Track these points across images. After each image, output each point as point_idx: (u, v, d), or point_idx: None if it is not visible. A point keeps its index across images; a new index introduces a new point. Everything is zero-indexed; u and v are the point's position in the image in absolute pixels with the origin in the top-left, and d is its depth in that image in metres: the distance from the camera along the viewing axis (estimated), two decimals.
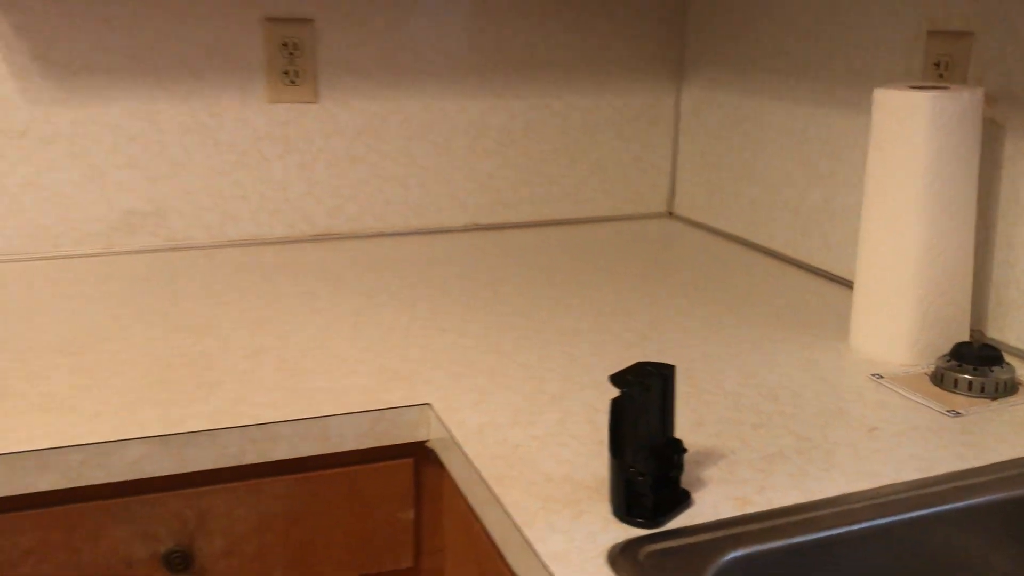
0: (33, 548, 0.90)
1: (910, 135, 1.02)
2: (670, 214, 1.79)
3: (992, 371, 0.99)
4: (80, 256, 1.45)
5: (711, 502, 0.79)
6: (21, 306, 1.22)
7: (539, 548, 0.73)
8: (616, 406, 0.74)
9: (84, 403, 0.95)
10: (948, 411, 0.96)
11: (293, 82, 1.49)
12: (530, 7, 1.60)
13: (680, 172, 1.76)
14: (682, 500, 0.78)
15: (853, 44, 1.32)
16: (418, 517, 1.03)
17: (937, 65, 1.18)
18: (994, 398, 0.99)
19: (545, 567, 0.71)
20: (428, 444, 1.00)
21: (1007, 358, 1.04)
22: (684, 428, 0.93)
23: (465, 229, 1.66)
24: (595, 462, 0.86)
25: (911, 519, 0.78)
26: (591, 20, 1.65)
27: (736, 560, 0.72)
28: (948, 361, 1.02)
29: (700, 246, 1.58)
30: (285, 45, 1.48)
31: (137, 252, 1.48)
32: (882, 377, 1.04)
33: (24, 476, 0.86)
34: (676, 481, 0.78)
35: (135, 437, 0.89)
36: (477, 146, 1.63)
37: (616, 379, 0.74)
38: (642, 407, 0.75)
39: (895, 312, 1.07)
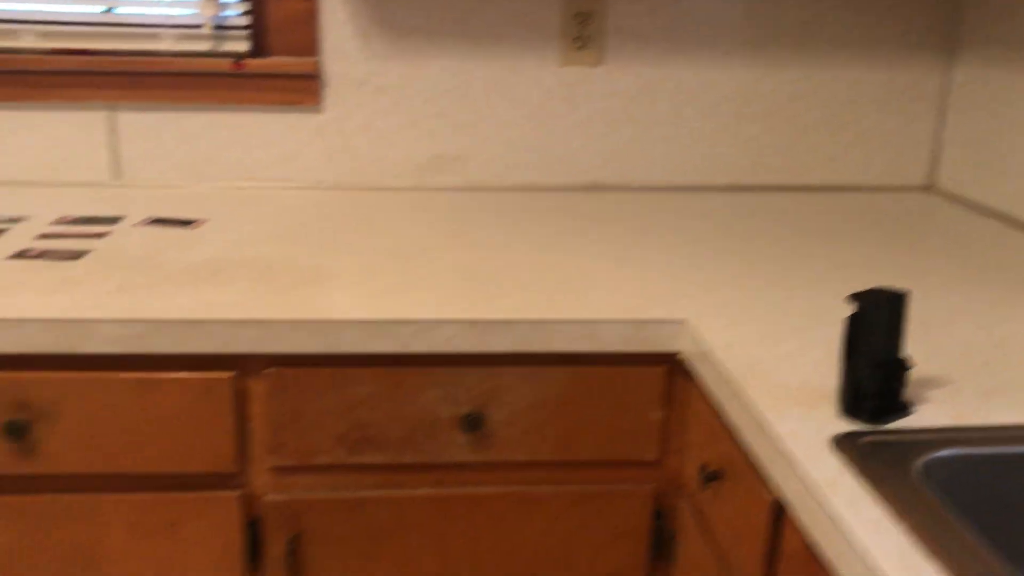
0: (366, 398, 1.16)
1: None
2: (929, 187, 1.83)
3: None
4: (396, 189, 1.73)
5: (929, 415, 0.91)
6: (355, 224, 1.51)
7: (775, 430, 0.88)
8: (852, 318, 0.88)
9: (411, 293, 1.20)
10: None
11: (582, 48, 1.70)
12: None
13: (945, 147, 1.80)
14: (902, 409, 0.90)
15: None
16: (665, 418, 1.21)
17: None
18: None
19: (779, 446, 0.87)
20: (680, 356, 1.17)
21: None
22: (914, 358, 1.04)
23: (726, 188, 1.80)
24: (827, 378, 0.99)
25: None
26: None
27: (944, 458, 0.84)
28: None
29: (958, 219, 1.63)
30: (578, 15, 1.68)
31: (440, 189, 1.74)
32: None
33: (369, 340, 1.12)
34: (898, 392, 0.91)
35: (451, 319, 1.12)
36: (743, 112, 1.76)
37: (854, 296, 0.88)
38: (874, 322, 0.88)
39: None
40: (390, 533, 1.21)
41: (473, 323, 1.13)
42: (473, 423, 1.17)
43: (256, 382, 1.15)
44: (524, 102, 1.72)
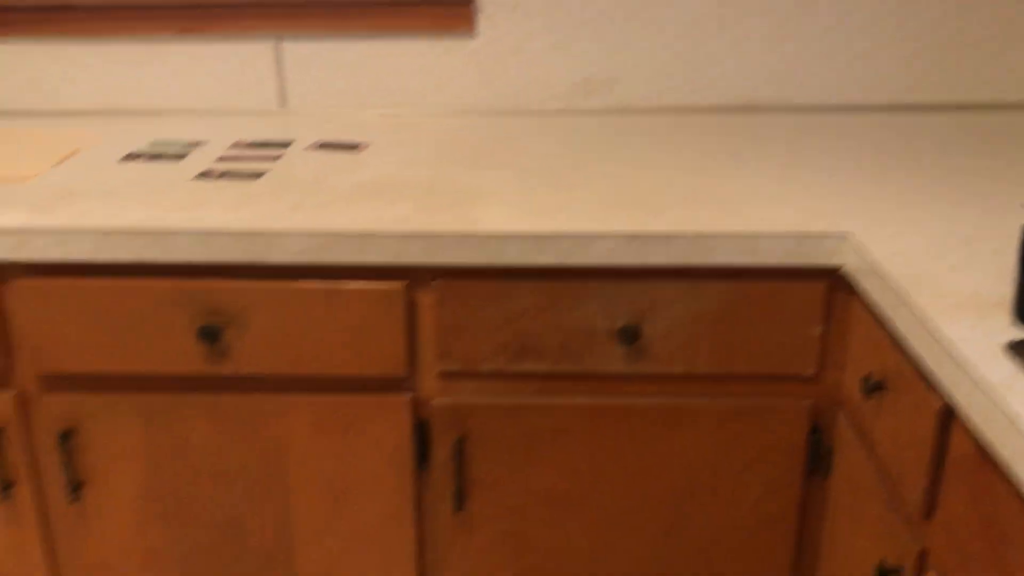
0: (527, 309, 1.21)
1: None
2: None
3: None
4: (548, 113, 1.76)
5: None
6: (509, 146, 1.55)
7: (946, 335, 0.88)
8: None
9: (569, 209, 1.23)
10: None
11: None
12: None
13: None
14: None
15: None
16: (825, 333, 1.20)
17: None
18: None
19: (951, 351, 0.86)
20: (842, 271, 1.16)
21: None
22: None
23: (886, 108, 1.74)
24: (999, 288, 0.97)
25: None
26: None
27: None
28: None
29: None
30: None
31: (592, 112, 1.75)
32: None
33: (530, 253, 1.16)
34: None
35: (610, 232, 1.15)
36: (906, 27, 1.69)
37: None
38: None
39: None
40: (548, 439, 1.26)
41: (632, 237, 1.15)
42: (630, 335, 1.20)
43: (425, 293, 1.21)
44: (676, 21, 1.71)
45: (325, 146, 1.54)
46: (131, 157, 1.48)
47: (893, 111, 1.72)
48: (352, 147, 1.53)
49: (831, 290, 1.19)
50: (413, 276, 1.21)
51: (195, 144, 1.55)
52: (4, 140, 1.56)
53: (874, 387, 1.06)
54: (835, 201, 1.24)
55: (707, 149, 1.50)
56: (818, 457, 1.26)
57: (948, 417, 0.90)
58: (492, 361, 1.23)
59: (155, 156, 1.48)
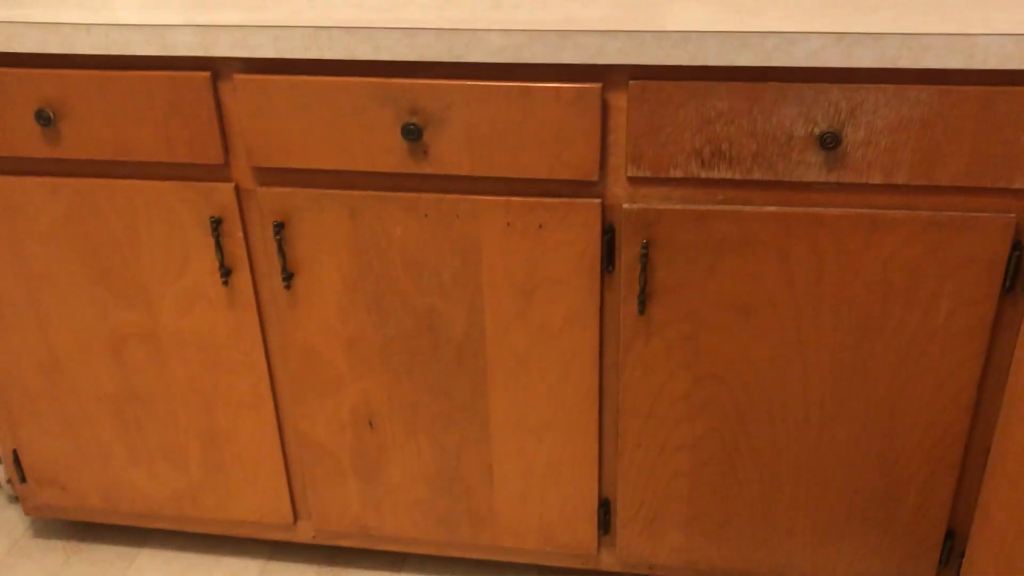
0: (724, 112, 1.20)
1: None
2: None
3: None
4: None
5: None
6: None
7: None
8: None
9: (767, 11, 1.20)
10: None
11: None
12: None
13: None
14: None
15: None
16: None
17: None
18: None
19: None
20: None
21: None
22: None
23: None
24: None
25: None
26: None
27: None
28: None
29: None
30: None
31: None
32: None
33: (730, 52, 1.14)
34: None
35: (817, 31, 1.12)
36: None
37: None
38: None
39: None
40: (735, 247, 1.27)
41: (840, 36, 1.11)
42: (829, 142, 1.17)
43: (618, 95, 1.22)
44: None
45: None
46: None
47: None
48: None
49: None
50: (608, 78, 1.21)
51: None
52: None
53: None
54: None
55: None
56: (1017, 274, 1.22)
57: None
58: (683, 167, 1.24)
59: None
